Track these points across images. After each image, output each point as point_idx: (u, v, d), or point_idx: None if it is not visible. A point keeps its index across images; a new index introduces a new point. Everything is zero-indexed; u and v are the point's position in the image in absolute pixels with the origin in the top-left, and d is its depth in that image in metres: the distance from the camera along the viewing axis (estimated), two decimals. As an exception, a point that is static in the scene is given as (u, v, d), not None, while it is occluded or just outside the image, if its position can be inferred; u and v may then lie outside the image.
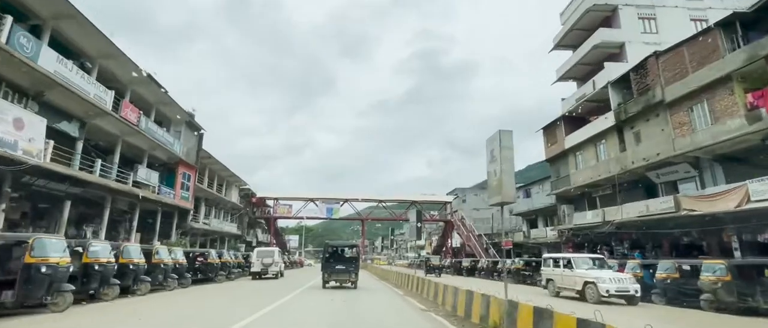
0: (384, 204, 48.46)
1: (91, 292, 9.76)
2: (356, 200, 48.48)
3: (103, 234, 18.09)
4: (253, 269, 20.48)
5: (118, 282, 10.21)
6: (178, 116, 25.09)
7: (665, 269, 13.05)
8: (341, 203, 47.98)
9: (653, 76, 19.95)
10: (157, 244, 17.79)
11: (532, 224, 37.02)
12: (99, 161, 16.75)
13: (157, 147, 22.23)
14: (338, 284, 16.13)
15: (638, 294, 11.93)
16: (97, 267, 9.42)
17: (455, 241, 51.28)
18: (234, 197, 39.44)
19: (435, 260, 30.47)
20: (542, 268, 16.23)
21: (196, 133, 27.66)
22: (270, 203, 47.91)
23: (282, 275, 23.05)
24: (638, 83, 21.06)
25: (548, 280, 15.03)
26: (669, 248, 20.04)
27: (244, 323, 7.68)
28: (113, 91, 17.33)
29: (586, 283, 12.38)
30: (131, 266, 11.08)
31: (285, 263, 39.49)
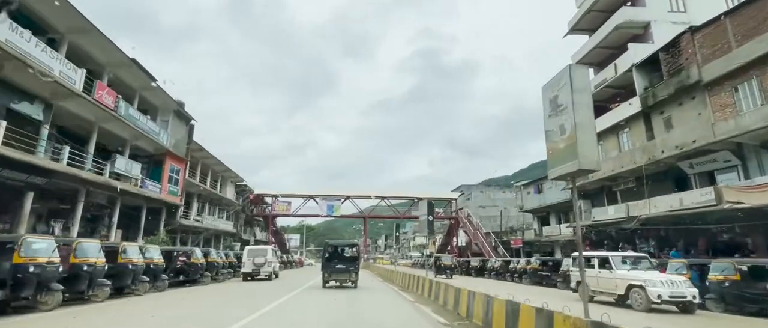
0: (387, 201, 46.53)
1: (24, 299, 7.83)
2: (358, 196, 46.57)
3: (75, 230, 16.22)
4: (243, 270, 18.55)
5: (61, 287, 8.27)
6: (166, 104, 23.24)
7: (721, 270, 11.05)
8: (342, 200, 46.07)
9: (688, 55, 17.93)
10: (126, 242, 15.96)
11: (544, 221, 35.03)
12: (66, 148, 14.84)
13: (141, 136, 20.35)
14: (338, 283, 15.88)
15: (697, 300, 9.95)
16: (32, 269, 7.49)
17: (460, 239, 49.33)
18: (229, 193, 37.59)
19: (446, 260, 27.23)
20: (569, 268, 14.24)
21: (186, 124, 25.77)
22: (268, 200, 46.06)
23: (276, 275, 21.16)
24: (669, 64, 19.03)
25: (578, 282, 13.03)
26: (706, 246, 18.00)
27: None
28: (84, 71, 15.43)
29: (631, 286, 10.40)
30: (86, 267, 9.14)
31: (283, 262, 37.67)
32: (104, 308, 9.22)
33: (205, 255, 19.36)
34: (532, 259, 24.29)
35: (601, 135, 24.26)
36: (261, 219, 45.98)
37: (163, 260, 13.76)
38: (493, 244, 38.88)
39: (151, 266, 12.50)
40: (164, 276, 13.43)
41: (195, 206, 30.05)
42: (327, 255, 16.45)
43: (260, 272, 18.21)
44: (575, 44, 27.96)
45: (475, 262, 32.07)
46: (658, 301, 9.76)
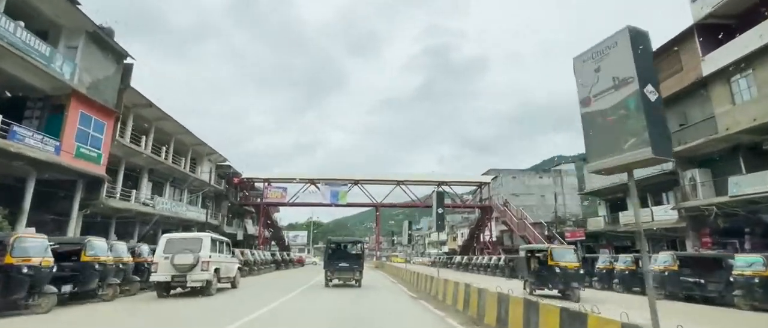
0: (404, 185, 38.02)
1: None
2: (369, 181, 38.18)
3: None
4: (154, 276, 10.07)
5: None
6: (74, 23, 15.19)
7: None
8: (349, 185, 37.77)
9: None
10: None
11: (618, 206, 26.10)
12: None
13: (7, 56, 12.27)
14: (342, 282, 15.20)
15: None
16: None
17: (490, 232, 40.62)
18: (204, 173, 29.57)
19: (570, 257, 12.56)
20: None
21: (116, 60, 17.66)
22: (260, 186, 38.03)
23: (235, 285, 12.86)
24: None
25: None
26: None
27: None
28: None
29: None
30: None
31: (275, 261, 29.56)
32: None
33: (134, 253, 11.43)
34: (626, 258, 15.58)
35: (749, 62, 15.46)
36: (252, 209, 37.91)
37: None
38: (548, 236, 30.09)
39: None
40: None
41: (146, 185, 22.02)
42: (330, 252, 15.56)
43: (187, 280, 9.79)
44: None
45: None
46: None
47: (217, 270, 10.77)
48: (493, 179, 41.20)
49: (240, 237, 35.29)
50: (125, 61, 18.19)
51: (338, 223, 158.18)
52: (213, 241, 10.92)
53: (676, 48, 19.21)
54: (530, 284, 13.06)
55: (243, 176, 35.73)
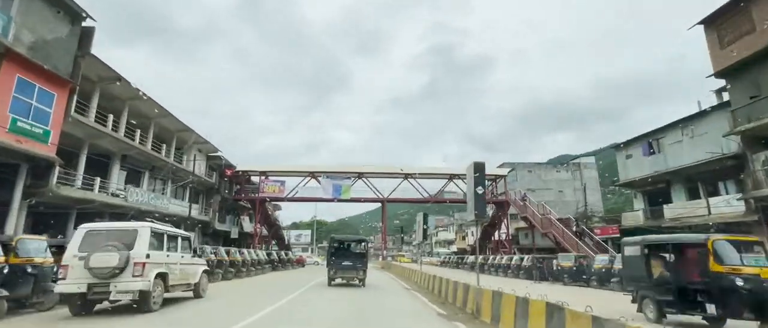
0: (413, 178, 34.86)
1: None
2: (375, 174, 35.09)
3: None
4: (61, 287, 6.92)
5: None
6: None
7: None
8: (353, 178, 34.69)
9: None
10: None
11: (659, 198, 22.71)
12: None
13: None
14: (345, 281, 14.93)
15: None
16: None
17: (498, 230, 37.34)
18: (191, 164, 26.66)
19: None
20: None
21: (70, 21, 14.70)
22: (257, 179, 35.09)
23: (200, 293, 9.80)
24: None
25: None
26: None
27: None
28: None
29: None
30: None
31: (271, 261, 26.58)
32: None
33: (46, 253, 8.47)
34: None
35: None
36: (248, 205, 34.96)
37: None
38: (577, 232, 26.77)
39: None
40: None
41: (116, 173, 19.09)
42: (332, 251, 15.26)
43: (109, 290, 6.62)
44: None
45: (566, 261, 20.20)
46: None
47: (162, 275, 7.67)
48: (510, 171, 37.84)
49: (234, 235, 32.38)
50: (84, 24, 15.25)
51: (343, 223, 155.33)
52: (156, 234, 7.81)
53: (744, 3, 15.88)
54: (656, 304, 7.75)
55: (237, 169, 32.77)
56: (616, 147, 25.61)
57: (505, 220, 35.33)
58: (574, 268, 18.91)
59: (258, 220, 32.65)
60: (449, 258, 45.76)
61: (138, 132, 19.72)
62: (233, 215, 35.86)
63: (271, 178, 34.45)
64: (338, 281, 14.93)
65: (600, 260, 17.81)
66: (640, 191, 24.25)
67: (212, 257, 16.49)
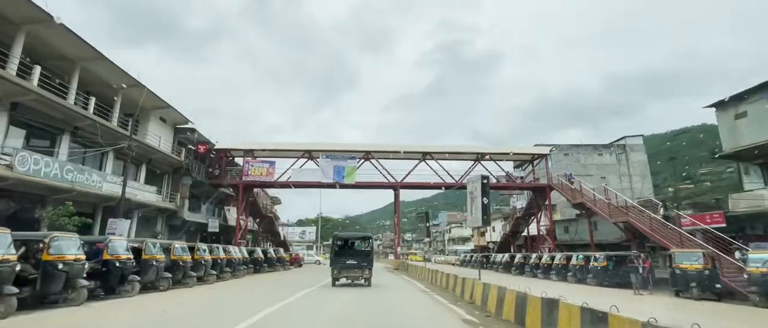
0: (431, 158, 28.27)
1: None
2: (385, 152, 28.61)
3: None
4: None
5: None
6: None
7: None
8: (359, 158, 28.25)
9: None
10: None
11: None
12: None
13: None
14: (350, 281, 14.17)
15: None
16: None
17: (539, 222, 30.63)
18: (151, 137, 20.44)
19: None
20: None
21: None
22: (239, 160, 28.76)
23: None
24: None
25: None
26: None
27: None
28: None
29: None
30: None
31: (253, 261, 20.40)
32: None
33: None
34: None
35: None
36: (230, 189, 28.62)
37: None
38: (665, 214, 19.85)
39: None
40: None
41: (2, 130, 12.79)
42: (336, 249, 14.52)
43: None
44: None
45: (696, 263, 13.42)
46: None
47: None
48: (551, 151, 31.05)
49: (213, 228, 26.10)
50: None
51: (350, 219, 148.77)
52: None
53: None
54: None
55: (216, 145, 26.45)
56: (720, 104, 18.69)
57: (547, 210, 28.58)
58: (706, 272, 12.12)
59: (241, 209, 26.33)
60: (471, 256, 39.08)
61: (37, 69, 13.33)
62: (214, 204, 29.60)
63: (258, 158, 28.12)
64: (343, 281, 14.14)
65: (757, 261, 10.95)
66: (759, 163, 17.38)
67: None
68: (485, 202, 12.20)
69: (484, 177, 12.86)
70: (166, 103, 21.00)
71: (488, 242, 56.45)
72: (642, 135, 40.66)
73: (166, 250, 12.19)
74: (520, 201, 46.66)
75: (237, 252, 18.30)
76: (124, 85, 18.12)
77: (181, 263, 12.33)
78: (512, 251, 37.70)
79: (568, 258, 20.36)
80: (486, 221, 12.26)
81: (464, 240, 79.06)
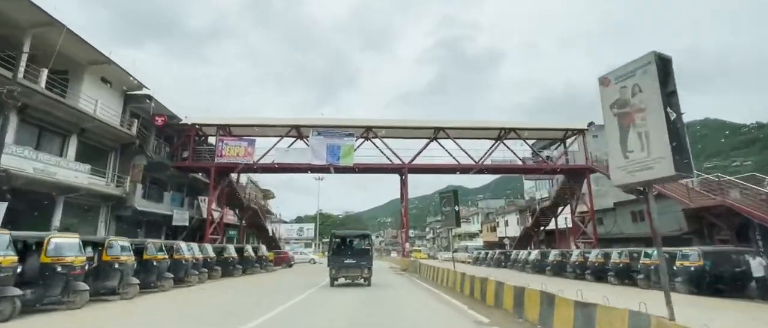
0: (445, 136, 23.27)
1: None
2: (389, 128, 23.63)
3: None
4: None
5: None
6: None
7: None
8: (359, 137, 23.28)
9: None
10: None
11: None
12: None
13: None
14: (349, 281, 13.62)
15: None
16: None
17: (574, 213, 25.75)
18: (86, 100, 15.48)
19: None
20: None
21: None
22: (213, 139, 23.72)
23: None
24: None
25: None
26: None
27: None
28: None
29: None
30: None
31: (225, 260, 15.58)
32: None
33: None
34: None
35: None
36: (199, 174, 23.61)
37: None
38: None
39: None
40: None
41: None
42: (334, 248, 13.99)
43: None
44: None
45: None
46: None
47: None
48: (589, 126, 26.02)
49: (180, 221, 21.15)
50: None
51: (350, 217, 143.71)
52: None
53: None
54: None
55: (183, 121, 21.44)
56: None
57: (589, 196, 23.68)
58: None
59: (213, 197, 21.34)
60: (487, 254, 34.17)
61: None
62: (185, 193, 24.60)
63: (235, 135, 23.11)
64: (341, 280, 13.41)
65: None
66: None
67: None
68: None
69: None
70: (105, 57, 16.00)
71: (500, 238, 51.61)
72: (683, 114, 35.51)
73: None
74: (539, 190, 41.72)
75: (190, 251, 13.37)
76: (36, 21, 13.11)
77: (60, 269, 7.38)
78: (532, 246, 32.97)
79: (633, 255, 15.43)
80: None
81: (471, 236, 74.14)
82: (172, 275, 11.45)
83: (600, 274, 16.50)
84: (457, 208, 12.90)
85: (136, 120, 18.83)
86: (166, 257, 11.46)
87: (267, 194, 48.89)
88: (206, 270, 14.59)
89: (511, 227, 47.23)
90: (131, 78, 18.02)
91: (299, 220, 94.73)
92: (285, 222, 76.31)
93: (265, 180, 41.75)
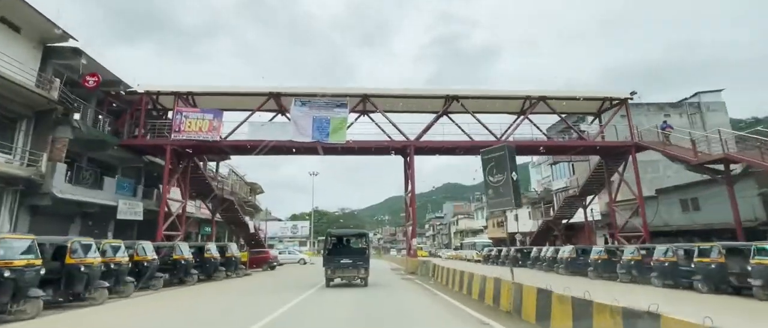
0: (459, 104, 18.84)
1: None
2: (390, 97, 19.15)
3: None
4: None
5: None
6: None
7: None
8: (353, 110, 18.80)
9: None
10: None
11: None
12: None
13: None
14: (346, 281, 13.24)
15: None
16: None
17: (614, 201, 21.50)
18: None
19: None
20: None
21: None
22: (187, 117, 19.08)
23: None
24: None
25: None
26: None
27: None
28: None
29: None
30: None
31: (204, 262, 10.98)
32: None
33: None
34: None
35: None
36: (153, 157, 19.01)
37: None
38: None
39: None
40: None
41: None
42: (329, 247, 13.65)
43: None
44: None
45: None
46: None
47: None
48: (632, 94, 21.62)
49: (128, 215, 16.61)
50: None
51: (346, 214, 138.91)
52: None
53: None
54: None
55: (135, 88, 16.85)
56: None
57: (635, 178, 19.44)
58: None
59: (167, 184, 16.80)
60: (500, 252, 29.83)
61: None
62: (139, 180, 20.01)
63: (198, 105, 18.56)
64: (337, 281, 13.13)
65: None
66: None
67: None
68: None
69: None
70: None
71: (510, 233, 47.29)
72: (721, 90, 31.28)
73: None
74: (558, 179, 37.46)
75: (95, 253, 8.87)
76: None
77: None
78: (552, 241, 28.85)
79: (734, 250, 11.06)
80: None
81: (475, 232, 69.75)
82: (41, 293, 6.97)
83: (672, 276, 12.19)
84: (514, 175, 8.15)
85: (58, 80, 14.25)
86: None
87: (254, 188, 44.30)
88: (133, 280, 10.10)
89: (523, 221, 42.95)
90: (50, 23, 13.46)
91: (294, 217, 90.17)
92: (279, 220, 71.77)
93: (253, 173, 37.16)
